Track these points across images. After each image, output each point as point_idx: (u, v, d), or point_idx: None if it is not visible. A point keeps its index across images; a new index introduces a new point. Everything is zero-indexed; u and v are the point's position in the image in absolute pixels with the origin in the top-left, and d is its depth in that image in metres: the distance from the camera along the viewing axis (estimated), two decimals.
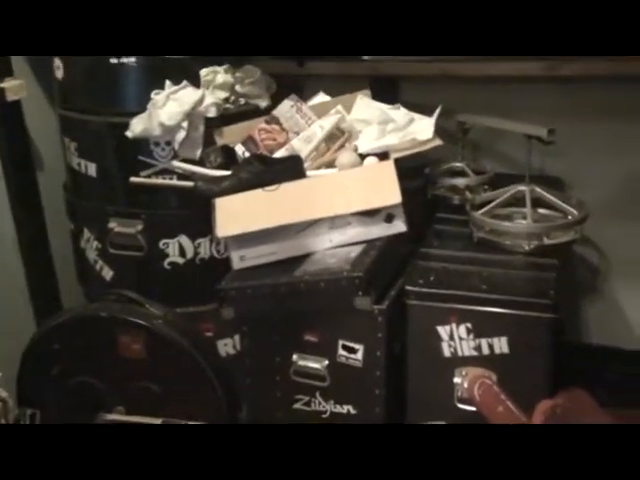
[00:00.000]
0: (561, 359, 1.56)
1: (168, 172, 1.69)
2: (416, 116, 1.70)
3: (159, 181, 1.68)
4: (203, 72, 1.70)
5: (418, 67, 1.89)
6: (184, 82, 1.67)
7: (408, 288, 1.49)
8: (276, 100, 1.79)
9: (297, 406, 1.52)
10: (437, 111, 1.70)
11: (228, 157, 1.71)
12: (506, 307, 1.43)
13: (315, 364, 1.48)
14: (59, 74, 1.76)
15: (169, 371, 1.59)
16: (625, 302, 2.05)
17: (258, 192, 1.54)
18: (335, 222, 1.52)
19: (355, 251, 1.49)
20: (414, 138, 1.63)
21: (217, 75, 1.71)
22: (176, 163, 1.68)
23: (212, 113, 1.68)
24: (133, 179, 1.67)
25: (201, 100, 1.66)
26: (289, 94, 1.78)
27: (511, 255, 1.59)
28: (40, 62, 1.88)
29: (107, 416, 1.60)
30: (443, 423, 1.51)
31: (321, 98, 1.84)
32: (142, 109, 1.65)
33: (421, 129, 1.65)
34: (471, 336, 1.45)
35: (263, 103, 1.79)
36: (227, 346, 1.78)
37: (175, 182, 1.68)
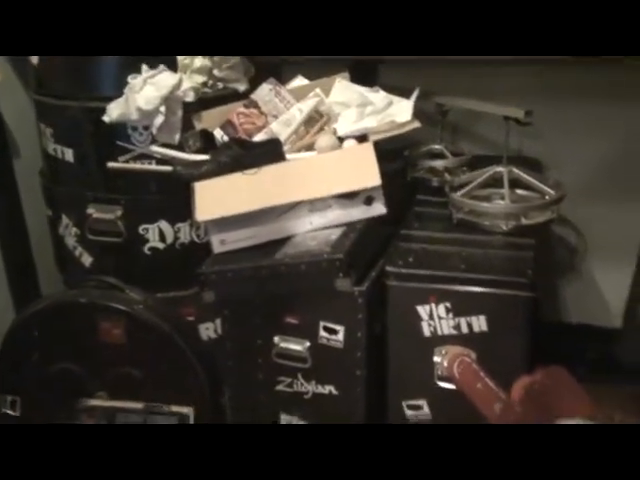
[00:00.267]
0: (540, 338, 1.59)
1: (147, 157, 1.67)
2: (395, 99, 1.70)
3: (137, 166, 1.67)
4: (180, 56, 1.69)
5: None
6: (161, 66, 1.66)
7: (388, 269, 1.51)
8: (254, 84, 1.78)
9: (279, 388, 1.53)
10: (415, 93, 1.70)
11: (207, 141, 1.70)
12: (484, 286, 1.45)
13: (296, 346, 1.49)
14: (34, 59, 1.74)
15: (150, 356, 1.59)
16: (602, 281, 2.08)
17: (238, 176, 1.54)
18: (315, 205, 1.52)
19: (335, 233, 1.50)
20: (393, 120, 1.63)
21: (195, 59, 1.69)
22: (154, 148, 1.66)
23: (190, 97, 1.67)
24: (111, 164, 1.65)
25: (179, 84, 1.65)
26: (267, 78, 1.77)
27: (490, 235, 1.61)
28: None
29: (89, 402, 1.60)
30: (424, 403, 1.53)
31: (300, 81, 1.83)
32: (119, 94, 1.64)
33: (400, 111, 1.65)
34: (450, 315, 1.46)
35: (241, 87, 1.78)
36: (208, 330, 1.78)
37: (154, 167, 1.67)
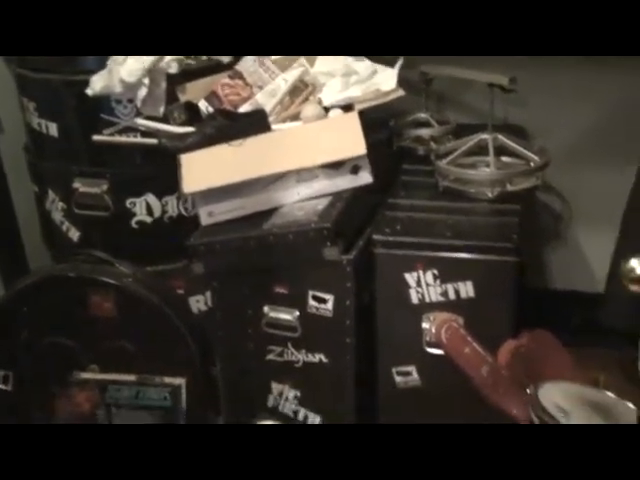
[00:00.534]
0: (526, 305, 1.61)
1: (132, 130, 1.67)
2: (379, 67, 1.70)
3: (122, 139, 1.66)
4: None
5: None
6: None
7: (375, 237, 1.52)
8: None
9: (270, 357, 1.55)
10: (399, 62, 1.70)
11: (192, 113, 1.69)
12: (471, 252, 1.46)
13: (286, 315, 1.50)
14: None
15: (141, 328, 1.60)
16: (587, 247, 2.10)
17: (223, 147, 1.54)
18: (302, 175, 1.52)
19: (322, 203, 1.50)
20: (377, 89, 1.63)
21: None
22: (139, 120, 1.66)
23: (174, 69, 1.65)
24: (96, 138, 1.64)
25: (162, 56, 1.64)
26: None
27: (475, 202, 1.62)
28: None
29: (81, 375, 1.61)
30: (413, 369, 1.56)
31: None
32: (102, 66, 1.62)
33: (384, 80, 1.65)
34: (438, 282, 1.48)
35: (225, 58, 1.76)
36: (199, 303, 1.79)
37: (139, 140, 1.66)
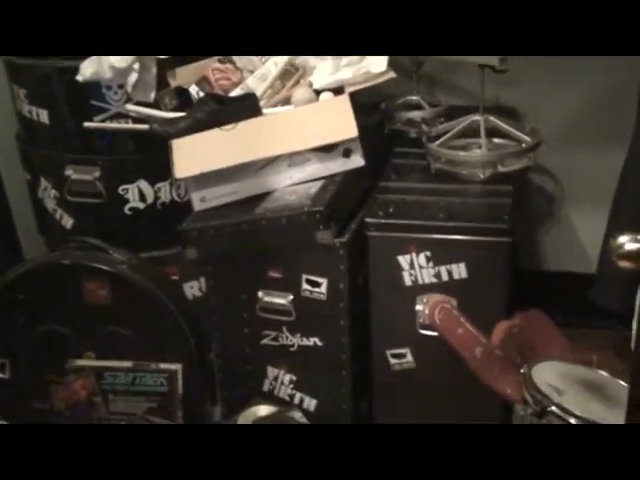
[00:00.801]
0: (519, 287, 1.62)
1: (123, 116, 1.66)
2: None
3: (114, 125, 1.66)
4: None
5: None
6: None
7: (368, 220, 1.52)
8: None
9: (265, 341, 1.55)
10: None
11: (183, 99, 1.69)
12: (463, 234, 1.47)
13: (280, 299, 1.51)
14: None
15: (136, 315, 1.61)
16: (580, 227, 2.11)
17: (215, 132, 1.53)
18: (294, 159, 1.52)
19: (315, 187, 1.51)
20: (368, 71, 1.63)
21: None
22: (130, 106, 1.65)
23: None
24: (87, 124, 1.64)
25: None
26: None
27: (467, 184, 1.62)
28: None
29: (77, 362, 1.61)
30: (407, 351, 1.57)
31: None
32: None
33: (375, 62, 1.64)
34: (430, 264, 1.49)
35: None
36: (193, 289, 1.79)
37: (130, 126, 1.66)
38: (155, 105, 1.66)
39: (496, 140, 1.71)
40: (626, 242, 0.83)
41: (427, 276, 1.50)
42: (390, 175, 1.72)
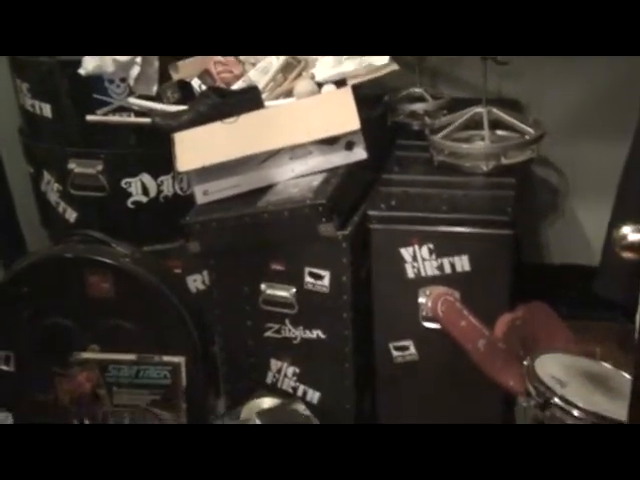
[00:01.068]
0: (523, 280, 1.61)
1: (125, 110, 1.67)
2: None
3: (116, 119, 1.66)
4: None
5: None
6: None
7: (370, 213, 1.52)
8: None
9: (268, 334, 1.56)
10: None
11: (185, 92, 1.69)
12: (466, 226, 1.47)
13: (283, 292, 1.51)
14: None
15: (140, 308, 1.61)
16: (584, 220, 2.10)
17: (217, 125, 1.53)
18: (296, 152, 1.52)
19: (317, 180, 1.51)
20: (370, 64, 1.62)
21: None
22: (132, 100, 1.65)
23: None
24: (90, 118, 1.64)
25: None
26: None
27: (470, 176, 1.62)
28: None
29: (81, 355, 1.62)
30: (410, 343, 1.57)
31: None
32: None
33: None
34: (433, 256, 1.48)
35: None
36: (196, 282, 1.80)
37: (133, 119, 1.66)
38: (157, 98, 1.66)
39: (499, 132, 1.70)
40: (629, 233, 0.83)
41: (430, 268, 1.50)
42: (393, 167, 1.71)
